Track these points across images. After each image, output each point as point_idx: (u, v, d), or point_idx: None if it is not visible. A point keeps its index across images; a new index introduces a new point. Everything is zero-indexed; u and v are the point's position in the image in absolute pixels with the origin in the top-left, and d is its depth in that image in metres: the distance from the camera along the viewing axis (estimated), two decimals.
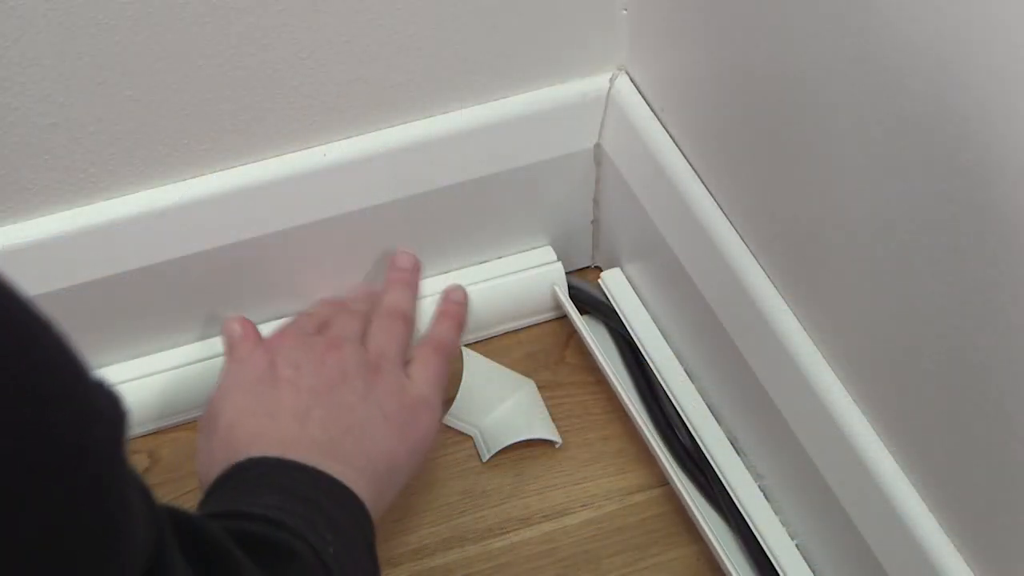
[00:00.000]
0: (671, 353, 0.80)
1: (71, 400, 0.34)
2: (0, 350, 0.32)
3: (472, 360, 0.81)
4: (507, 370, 0.83)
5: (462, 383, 0.80)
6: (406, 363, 0.72)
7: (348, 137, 0.74)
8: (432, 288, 0.80)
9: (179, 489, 0.77)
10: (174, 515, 0.45)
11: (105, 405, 0.36)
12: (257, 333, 0.72)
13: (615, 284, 0.85)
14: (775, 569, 0.71)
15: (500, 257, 0.82)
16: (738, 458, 0.75)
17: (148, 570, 0.38)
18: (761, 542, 0.72)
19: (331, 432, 0.65)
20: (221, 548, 0.47)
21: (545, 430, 0.80)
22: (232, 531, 0.49)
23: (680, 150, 0.74)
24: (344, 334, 0.71)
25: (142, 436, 0.80)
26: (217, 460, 0.64)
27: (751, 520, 0.73)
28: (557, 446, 0.80)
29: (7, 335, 0.33)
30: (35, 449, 0.33)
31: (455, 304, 0.78)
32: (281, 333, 0.72)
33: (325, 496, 0.60)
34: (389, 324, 0.73)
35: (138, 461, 0.79)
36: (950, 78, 0.49)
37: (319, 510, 0.58)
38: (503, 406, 0.81)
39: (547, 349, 0.85)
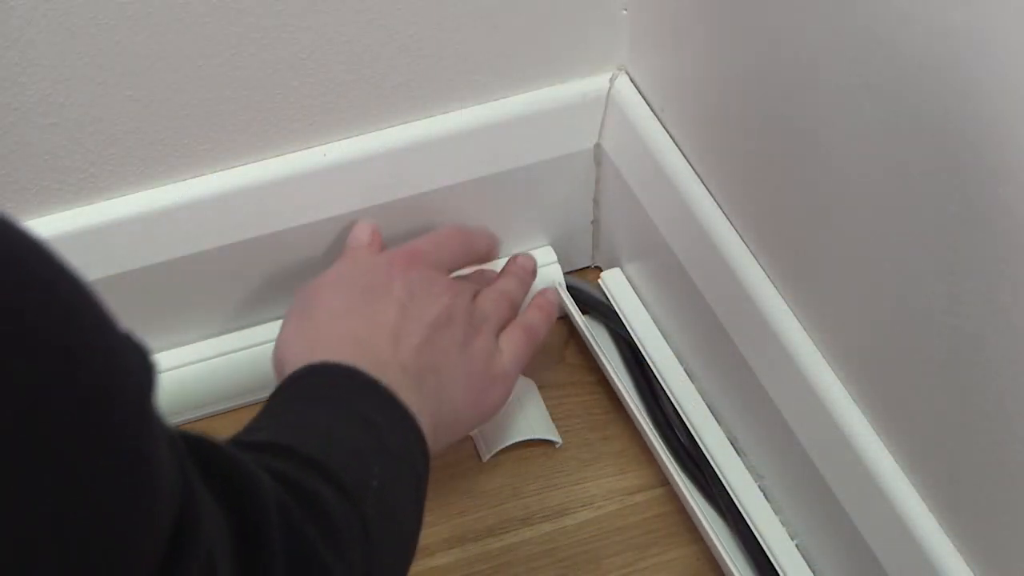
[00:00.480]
0: (671, 353, 0.80)
1: (96, 352, 0.33)
2: (21, 299, 0.31)
3: None
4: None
5: None
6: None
7: (348, 137, 0.74)
8: None
9: None
10: (206, 449, 0.44)
11: (133, 358, 0.35)
12: (383, 245, 0.73)
13: (615, 284, 0.85)
14: (775, 569, 0.71)
15: (500, 257, 0.82)
16: (738, 458, 0.75)
17: (178, 521, 0.38)
18: (761, 542, 0.72)
19: (420, 364, 0.65)
20: (254, 493, 0.45)
21: (545, 430, 0.80)
22: (266, 469, 0.48)
23: (680, 150, 0.74)
24: (460, 288, 0.71)
25: None
26: (297, 349, 0.63)
27: (751, 520, 0.73)
28: (557, 446, 0.80)
29: (26, 284, 0.32)
30: (60, 401, 0.32)
31: (549, 302, 0.78)
32: (407, 255, 0.71)
33: (388, 424, 0.59)
34: (498, 299, 0.74)
35: None
36: (952, 77, 0.49)
37: (376, 436, 0.57)
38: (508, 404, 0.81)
39: (547, 349, 0.85)
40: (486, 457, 0.79)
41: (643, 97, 0.76)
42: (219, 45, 0.66)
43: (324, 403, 0.59)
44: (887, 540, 0.63)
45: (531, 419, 0.80)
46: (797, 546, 0.72)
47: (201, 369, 0.79)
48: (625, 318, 0.83)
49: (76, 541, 0.32)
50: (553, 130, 0.78)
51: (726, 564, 0.72)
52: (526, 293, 0.78)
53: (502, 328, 0.73)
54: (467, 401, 0.68)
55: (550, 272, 0.84)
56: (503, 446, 0.79)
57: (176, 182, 0.72)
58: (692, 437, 0.77)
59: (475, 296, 0.73)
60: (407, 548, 0.57)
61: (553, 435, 0.80)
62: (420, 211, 0.78)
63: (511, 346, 0.72)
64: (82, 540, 0.32)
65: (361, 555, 0.51)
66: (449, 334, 0.68)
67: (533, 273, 0.79)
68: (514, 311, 0.75)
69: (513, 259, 0.79)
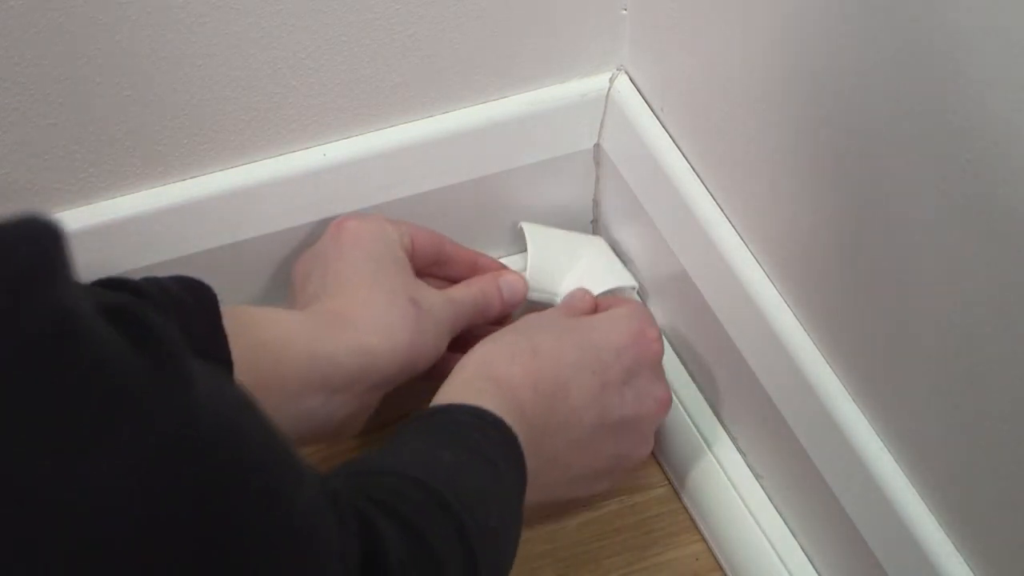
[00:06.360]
0: (671, 353, 0.80)
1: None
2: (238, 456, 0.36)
3: (533, 232, 0.80)
4: (571, 232, 0.82)
5: (529, 257, 0.79)
6: None
7: (348, 137, 0.74)
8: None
9: None
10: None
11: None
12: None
13: None
14: (775, 569, 0.71)
15: (500, 257, 0.82)
16: (738, 458, 0.75)
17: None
18: (761, 542, 0.72)
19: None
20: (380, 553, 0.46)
21: (625, 277, 0.80)
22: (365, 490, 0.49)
23: (680, 150, 0.74)
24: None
25: None
26: (518, 381, 0.64)
27: (751, 520, 0.73)
28: (635, 290, 0.80)
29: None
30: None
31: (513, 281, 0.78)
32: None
33: (505, 465, 0.59)
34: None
35: None
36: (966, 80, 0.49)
37: (496, 477, 0.57)
38: (579, 265, 0.80)
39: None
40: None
41: (643, 97, 0.76)
42: (219, 45, 0.66)
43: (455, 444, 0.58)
44: (887, 540, 0.63)
45: (610, 268, 0.81)
46: (797, 546, 0.72)
47: None
48: None
49: None
50: (553, 130, 0.78)
51: (726, 564, 0.72)
52: None
53: None
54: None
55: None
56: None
57: (176, 182, 0.72)
58: (692, 437, 0.77)
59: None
60: None
61: (631, 280, 0.81)
62: (420, 211, 0.78)
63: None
64: None
65: None
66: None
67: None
68: None
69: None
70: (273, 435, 0.39)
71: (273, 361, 0.62)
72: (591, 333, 0.68)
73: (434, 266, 0.75)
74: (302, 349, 0.63)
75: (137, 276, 0.73)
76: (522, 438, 0.59)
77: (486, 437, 0.58)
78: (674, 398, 0.78)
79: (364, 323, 0.66)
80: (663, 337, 0.72)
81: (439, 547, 0.49)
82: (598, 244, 0.82)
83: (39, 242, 0.33)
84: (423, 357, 0.68)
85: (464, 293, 0.73)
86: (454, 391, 0.62)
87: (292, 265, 0.74)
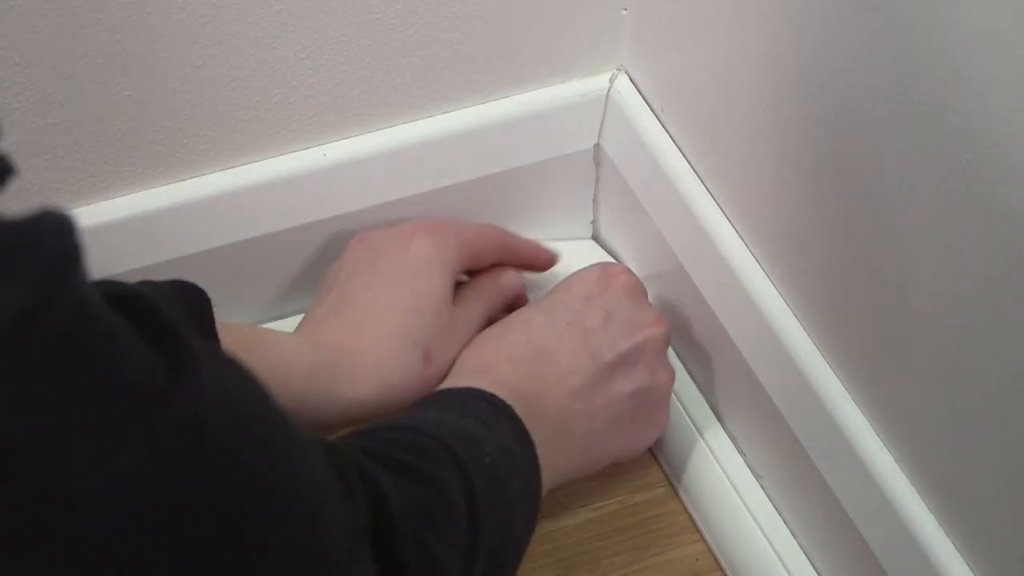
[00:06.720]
0: (671, 353, 0.80)
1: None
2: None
3: None
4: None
5: None
6: None
7: (348, 137, 0.74)
8: None
9: None
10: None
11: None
12: None
13: None
14: (775, 569, 0.71)
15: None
16: (738, 458, 0.75)
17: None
18: (761, 542, 0.72)
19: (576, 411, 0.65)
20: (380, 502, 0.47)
21: None
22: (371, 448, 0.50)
23: (680, 150, 0.74)
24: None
25: None
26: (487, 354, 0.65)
27: (751, 520, 0.73)
28: None
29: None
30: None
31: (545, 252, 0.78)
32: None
33: (509, 432, 0.60)
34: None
35: None
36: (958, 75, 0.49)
37: (490, 430, 0.58)
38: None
39: None
40: None
41: (643, 97, 0.76)
42: (219, 45, 0.66)
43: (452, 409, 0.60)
44: (887, 540, 0.63)
45: None
46: (797, 546, 0.72)
47: None
48: None
49: None
50: (553, 130, 0.78)
51: (726, 564, 0.72)
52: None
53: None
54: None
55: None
56: None
57: (176, 182, 0.72)
58: (692, 437, 0.77)
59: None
60: (515, 542, 0.57)
61: None
62: (420, 211, 0.78)
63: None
64: None
65: (466, 527, 0.52)
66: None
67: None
68: None
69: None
70: (276, 412, 0.40)
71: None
72: (554, 295, 0.69)
73: (497, 262, 0.75)
74: (296, 388, 0.63)
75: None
76: (515, 407, 0.60)
77: (475, 405, 0.60)
78: (673, 398, 0.78)
79: (365, 370, 0.65)
80: (630, 270, 0.72)
81: (438, 478, 0.51)
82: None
83: (60, 235, 0.33)
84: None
85: (478, 309, 0.73)
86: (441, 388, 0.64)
87: (334, 259, 0.73)
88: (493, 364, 0.65)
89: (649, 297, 0.82)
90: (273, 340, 0.64)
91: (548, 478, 0.61)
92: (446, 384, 0.65)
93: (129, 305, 0.35)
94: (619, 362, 0.67)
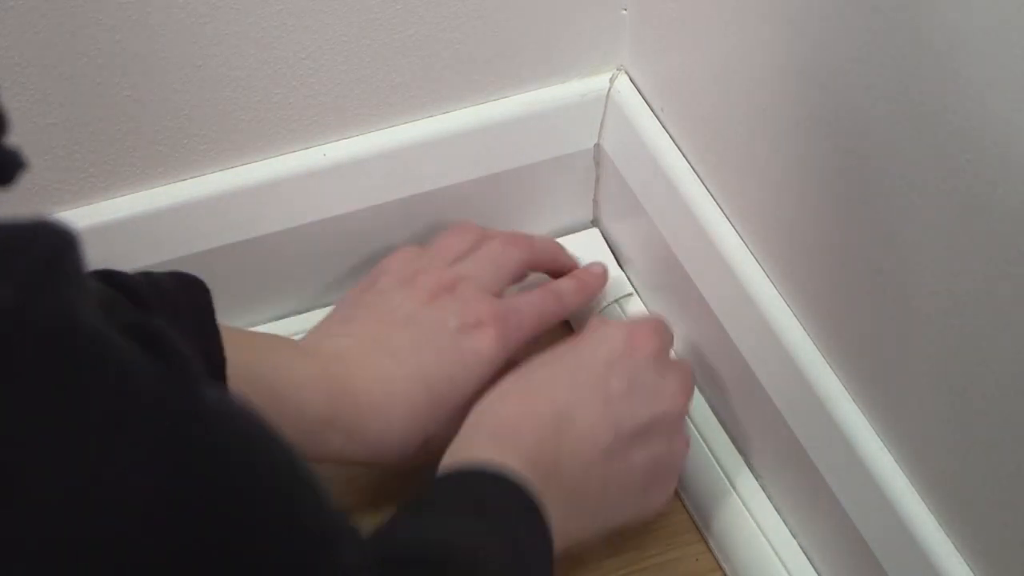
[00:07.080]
0: (671, 353, 0.80)
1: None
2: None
3: None
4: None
5: None
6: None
7: (348, 137, 0.74)
8: None
9: None
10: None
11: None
12: None
13: (614, 283, 0.84)
14: (775, 569, 0.71)
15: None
16: (738, 458, 0.75)
17: None
18: (761, 542, 0.72)
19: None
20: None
21: (620, 286, 0.82)
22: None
23: (680, 150, 0.74)
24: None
25: None
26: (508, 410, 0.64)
27: (751, 520, 0.73)
28: (631, 296, 0.81)
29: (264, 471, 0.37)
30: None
31: (593, 276, 0.78)
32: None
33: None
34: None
35: None
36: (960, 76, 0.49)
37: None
38: None
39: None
40: None
41: (643, 97, 0.76)
42: (219, 45, 0.66)
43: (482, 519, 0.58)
44: (887, 540, 0.63)
45: None
46: (797, 546, 0.72)
47: None
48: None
49: None
50: (553, 130, 0.78)
51: (726, 564, 0.72)
52: (583, 293, 0.77)
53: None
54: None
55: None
56: None
57: (176, 182, 0.72)
58: (692, 438, 0.77)
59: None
60: None
61: None
62: (420, 211, 0.78)
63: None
64: None
65: None
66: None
67: (601, 274, 0.79)
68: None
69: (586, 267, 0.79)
70: (282, 445, 0.39)
71: (274, 411, 0.62)
72: (579, 352, 0.68)
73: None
74: (296, 410, 0.63)
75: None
76: (533, 478, 0.59)
77: (502, 500, 0.58)
78: None
79: (368, 405, 0.66)
80: (662, 330, 0.70)
81: None
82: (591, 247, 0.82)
83: (50, 243, 0.33)
84: (431, 443, 0.67)
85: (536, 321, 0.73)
86: (460, 450, 0.62)
87: (370, 271, 0.73)
88: (515, 431, 0.63)
89: (649, 297, 0.82)
90: (286, 363, 0.64)
91: (558, 544, 0.60)
92: (462, 442, 0.63)
93: (132, 330, 0.35)
94: (638, 432, 0.66)
